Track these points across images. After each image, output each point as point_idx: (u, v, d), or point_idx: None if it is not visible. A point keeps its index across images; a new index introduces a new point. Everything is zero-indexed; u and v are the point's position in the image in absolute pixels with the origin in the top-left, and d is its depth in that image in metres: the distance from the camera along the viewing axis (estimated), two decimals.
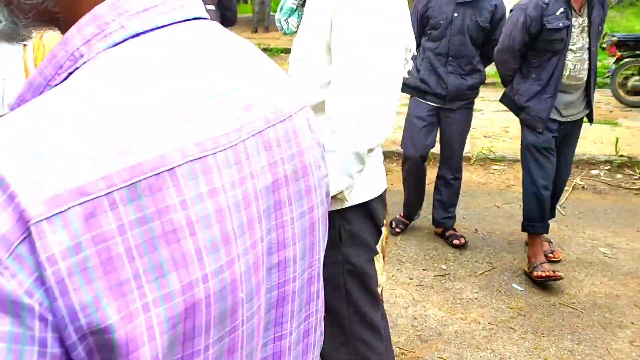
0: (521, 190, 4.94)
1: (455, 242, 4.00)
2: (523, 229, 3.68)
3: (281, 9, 1.89)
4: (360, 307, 1.84)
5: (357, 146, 1.56)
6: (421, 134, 3.85)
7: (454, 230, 4.12)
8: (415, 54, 3.69)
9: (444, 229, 4.10)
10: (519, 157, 5.68)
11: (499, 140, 6.32)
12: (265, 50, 13.15)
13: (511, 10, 3.42)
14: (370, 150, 1.60)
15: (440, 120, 3.91)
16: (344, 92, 1.57)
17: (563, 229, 4.21)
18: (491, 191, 5.05)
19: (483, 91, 8.39)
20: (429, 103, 3.81)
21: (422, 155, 3.93)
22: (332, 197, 1.66)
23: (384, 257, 2.79)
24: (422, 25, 3.76)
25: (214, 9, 5.00)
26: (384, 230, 2.78)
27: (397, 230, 4.13)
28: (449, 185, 4.07)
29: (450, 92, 3.72)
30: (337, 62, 1.59)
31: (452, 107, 3.81)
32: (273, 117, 0.62)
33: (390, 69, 1.57)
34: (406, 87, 3.76)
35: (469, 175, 5.39)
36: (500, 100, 3.72)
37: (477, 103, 8.34)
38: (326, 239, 0.75)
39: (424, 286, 3.54)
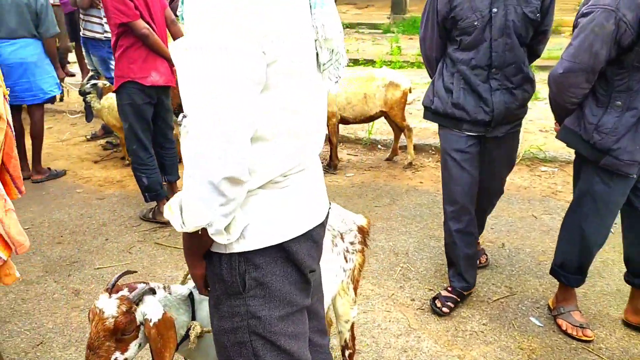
0: (567, 198, 4.35)
1: None
2: (552, 273, 3.00)
3: None
4: None
5: (209, 174, 1.18)
6: (465, 172, 2.92)
7: (477, 243, 3.58)
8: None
9: None
10: (573, 158, 5.03)
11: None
12: None
13: (584, 14, 2.47)
14: (235, 182, 1.20)
15: (481, 150, 2.99)
16: (188, 107, 1.19)
17: (608, 250, 3.57)
18: (532, 197, 4.44)
19: None
20: (468, 133, 2.89)
21: (472, 198, 3.01)
22: (211, 237, 1.29)
23: (355, 289, 2.39)
24: (446, 30, 2.84)
25: None
26: (358, 257, 2.37)
27: (444, 310, 3.02)
28: (482, 213, 3.38)
29: (497, 115, 2.79)
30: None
31: (498, 135, 2.90)
32: None
33: (236, 77, 1.17)
34: (433, 114, 3.00)
35: (511, 177, 4.76)
36: (561, 139, 2.79)
37: (544, 90, 7.55)
38: None
39: (424, 310, 3.09)
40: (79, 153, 5.90)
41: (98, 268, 3.60)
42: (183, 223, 1.28)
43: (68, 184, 5.07)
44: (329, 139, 5.06)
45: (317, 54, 1.44)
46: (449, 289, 3.13)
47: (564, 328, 2.88)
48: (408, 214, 4.22)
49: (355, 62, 9.25)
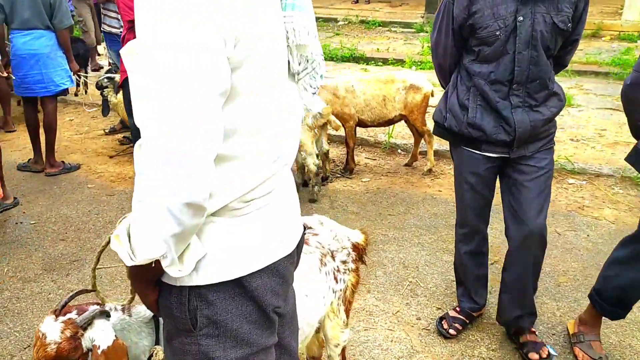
0: (594, 214, 4.09)
1: (533, 356, 2.64)
2: (589, 297, 2.71)
3: None
4: None
5: (165, 200, 1.04)
6: (479, 195, 2.66)
7: (533, 332, 2.76)
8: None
9: (516, 330, 2.78)
10: (604, 170, 4.75)
11: (587, 147, 5.32)
12: (362, 22, 12.53)
13: None
14: (197, 208, 1.06)
15: (505, 173, 2.63)
16: (161, 108, 1.04)
17: None
18: (556, 212, 4.18)
19: (590, 82, 7.20)
20: (487, 154, 2.58)
21: (484, 219, 2.78)
22: (165, 269, 1.15)
23: (347, 311, 2.22)
24: (463, 38, 2.50)
25: None
26: (351, 277, 2.19)
27: (450, 332, 2.83)
28: (523, 288, 2.72)
29: (520, 134, 2.43)
30: None
31: (526, 154, 2.53)
32: None
33: (219, 77, 1.06)
34: (446, 131, 2.66)
35: None
36: (628, 161, 2.49)
37: (579, 96, 7.21)
38: None
39: (430, 331, 2.89)
40: (96, 147, 5.86)
41: (97, 268, 3.50)
42: (133, 254, 1.13)
43: (80, 179, 5.01)
44: (345, 142, 4.88)
45: (289, 62, 1.30)
46: (457, 309, 2.92)
47: (580, 358, 2.65)
48: (422, 224, 4.01)
49: (384, 61, 9.03)
